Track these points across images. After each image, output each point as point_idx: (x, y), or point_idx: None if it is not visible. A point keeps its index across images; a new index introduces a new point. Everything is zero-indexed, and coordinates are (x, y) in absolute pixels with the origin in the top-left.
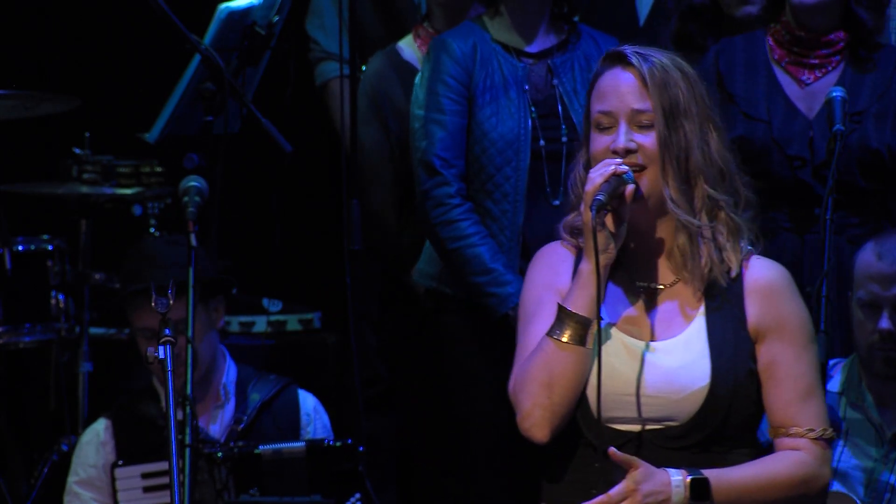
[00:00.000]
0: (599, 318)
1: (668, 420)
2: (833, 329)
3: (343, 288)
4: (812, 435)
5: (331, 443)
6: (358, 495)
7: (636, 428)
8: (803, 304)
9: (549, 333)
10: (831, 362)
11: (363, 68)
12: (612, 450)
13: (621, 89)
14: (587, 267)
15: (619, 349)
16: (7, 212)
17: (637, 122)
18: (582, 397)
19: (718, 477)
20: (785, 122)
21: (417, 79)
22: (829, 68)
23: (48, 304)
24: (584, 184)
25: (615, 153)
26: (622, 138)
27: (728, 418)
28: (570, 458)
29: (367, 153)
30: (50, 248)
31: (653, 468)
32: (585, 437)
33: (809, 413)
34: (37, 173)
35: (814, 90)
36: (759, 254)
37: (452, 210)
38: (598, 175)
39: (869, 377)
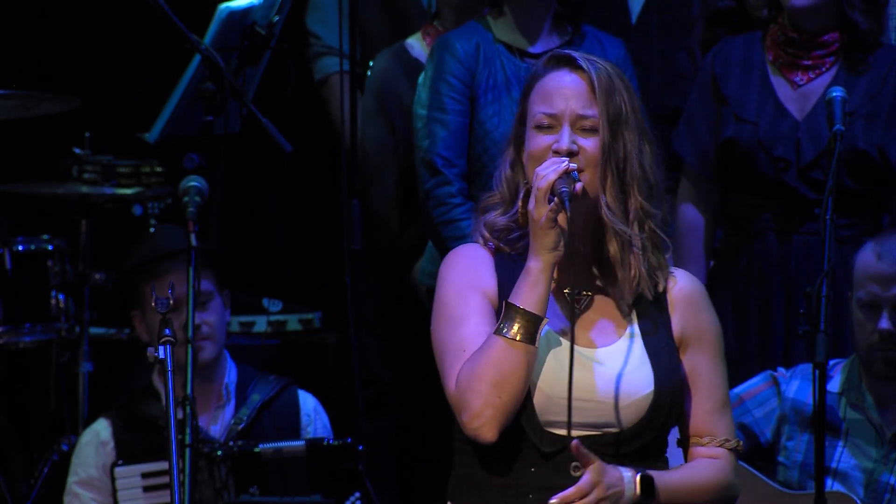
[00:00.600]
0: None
1: (607, 427)
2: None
3: (343, 288)
4: (728, 445)
5: (331, 442)
6: (358, 495)
7: (577, 433)
8: (718, 318)
9: (498, 332)
10: (831, 362)
11: (370, 63)
12: (576, 442)
13: (567, 92)
14: (537, 264)
15: (564, 353)
16: (7, 212)
17: (580, 126)
18: (526, 400)
19: (659, 477)
20: (773, 123)
21: (421, 78)
22: (823, 69)
23: (48, 304)
24: (512, 182)
25: (556, 153)
26: (566, 140)
27: (666, 425)
28: (508, 461)
29: (371, 152)
30: (50, 248)
31: (607, 465)
32: (529, 441)
33: (724, 424)
34: (37, 173)
35: (806, 91)
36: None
37: (454, 209)
38: (552, 171)
39: (869, 378)
